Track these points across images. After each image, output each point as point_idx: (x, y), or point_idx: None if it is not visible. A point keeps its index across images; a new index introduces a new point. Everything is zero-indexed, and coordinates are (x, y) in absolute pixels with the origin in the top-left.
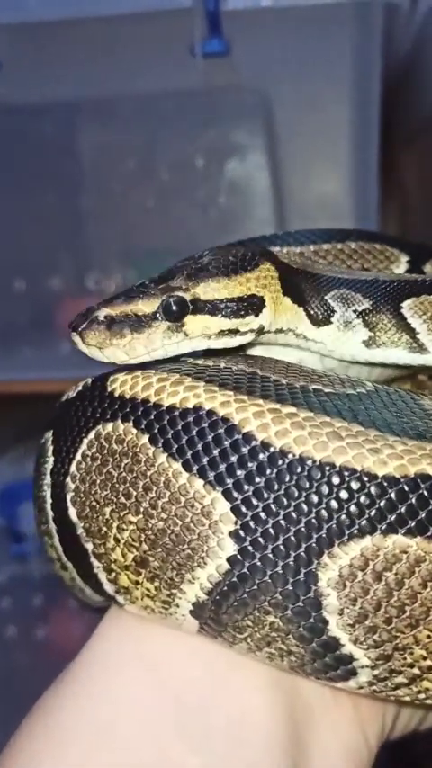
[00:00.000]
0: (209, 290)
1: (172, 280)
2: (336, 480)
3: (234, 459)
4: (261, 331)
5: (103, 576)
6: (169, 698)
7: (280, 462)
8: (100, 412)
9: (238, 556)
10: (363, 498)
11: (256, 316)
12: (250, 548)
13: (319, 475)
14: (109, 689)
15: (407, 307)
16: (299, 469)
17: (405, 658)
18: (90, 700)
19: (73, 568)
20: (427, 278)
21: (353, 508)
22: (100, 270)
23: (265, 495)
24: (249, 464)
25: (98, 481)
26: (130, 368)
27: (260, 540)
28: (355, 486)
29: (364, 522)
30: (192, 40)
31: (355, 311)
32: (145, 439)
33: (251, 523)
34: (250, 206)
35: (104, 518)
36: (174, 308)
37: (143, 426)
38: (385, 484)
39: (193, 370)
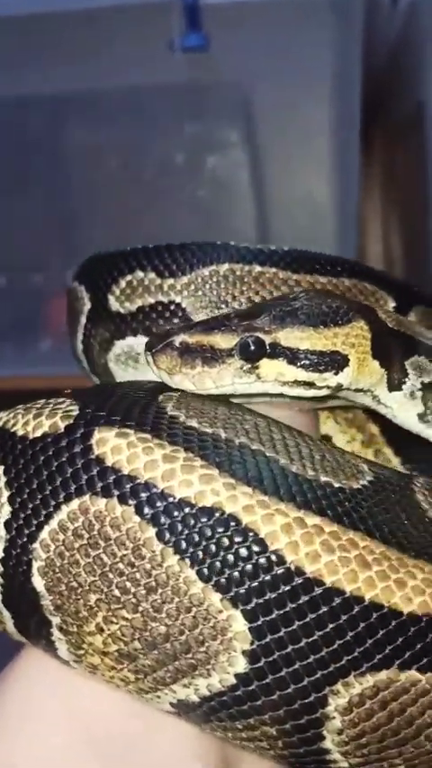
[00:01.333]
0: (291, 337)
1: (257, 318)
2: (363, 615)
3: (260, 580)
4: (339, 389)
5: (63, 647)
6: (93, 753)
7: (310, 591)
8: (86, 481)
9: (249, 674)
10: (386, 633)
11: (336, 374)
12: (264, 669)
13: (348, 608)
14: (28, 738)
15: None
16: (329, 601)
17: (383, 766)
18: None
19: (9, 619)
20: None
21: (375, 642)
22: None
23: (290, 622)
24: (276, 588)
25: (83, 563)
26: (119, 423)
27: (276, 663)
28: (380, 621)
29: (383, 656)
30: (170, 35)
31: (422, 383)
32: (151, 532)
33: (270, 646)
34: (232, 202)
35: (87, 604)
36: (251, 347)
37: (149, 517)
38: (408, 621)
39: (197, 442)
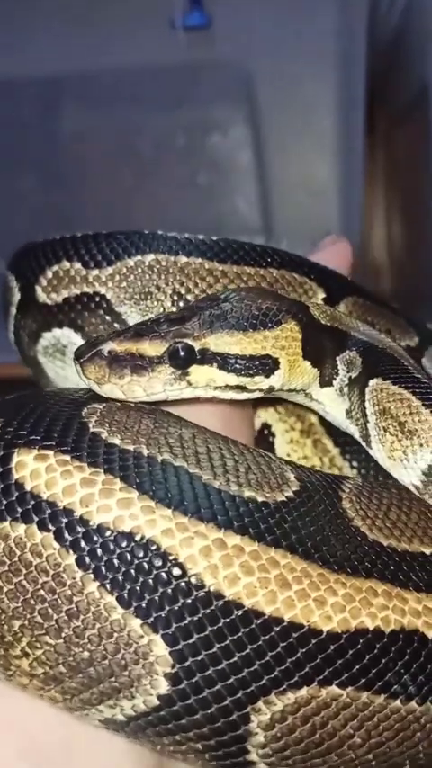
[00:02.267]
0: (221, 342)
1: (187, 322)
2: (282, 635)
3: (179, 604)
4: (271, 390)
5: None
6: (28, 764)
7: (229, 614)
8: (6, 506)
9: (172, 696)
10: (306, 652)
11: (267, 376)
12: (186, 690)
13: (268, 629)
14: None
15: (370, 387)
16: (248, 623)
17: None
18: None
19: None
20: (402, 361)
21: (296, 661)
22: None
23: (210, 645)
24: (196, 612)
25: (5, 590)
26: (39, 444)
27: (198, 684)
28: (300, 641)
29: (303, 674)
30: (172, 13)
31: (349, 377)
32: (71, 559)
33: (191, 668)
34: (233, 184)
35: (11, 629)
36: (181, 353)
37: (68, 543)
38: (327, 639)
39: (118, 462)
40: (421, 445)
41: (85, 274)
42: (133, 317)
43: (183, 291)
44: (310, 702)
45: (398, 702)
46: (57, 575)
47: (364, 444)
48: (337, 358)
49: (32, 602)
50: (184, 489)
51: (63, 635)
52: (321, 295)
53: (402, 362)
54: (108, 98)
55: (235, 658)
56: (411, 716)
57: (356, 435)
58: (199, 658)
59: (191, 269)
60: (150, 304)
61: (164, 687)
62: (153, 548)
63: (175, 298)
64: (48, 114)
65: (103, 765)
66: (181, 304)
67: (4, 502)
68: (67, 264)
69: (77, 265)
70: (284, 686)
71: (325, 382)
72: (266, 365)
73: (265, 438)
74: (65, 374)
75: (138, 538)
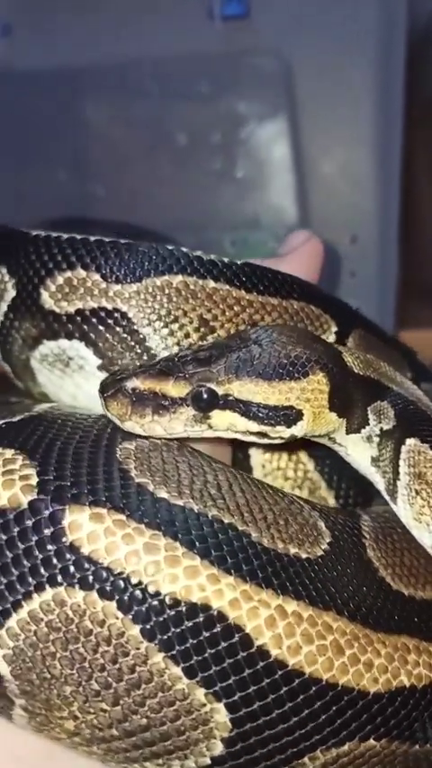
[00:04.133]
0: (244, 390)
1: (213, 363)
2: (335, 698)
3: (244, 674)
4: (293, 439)
5: (22, 721)
6: None
7: (291, 682)
8: (60, 570)
9: (225, 756)
10: (354, 712)
11: (289, 427)
12: (240, 751)
13: (323, 694)
14: None
15: (407, 446)
16: (307, 689)
17: None
18: None
19: None
20: None
21: (343, 721)
22: None
23: (269, 711)
24: (259, 681)
25: (59, 656)
26: (89, 500)
27: (252, 745)
28: (349, 703)
29: (349, 732)
30: (210, 2)
31: (381, 429)
32: (135, 630)
33: (248, 732)
34: (269, 175)
35: (61, 694)
36: (204, 396)
37: (133, 613)
38: (372, 700)
39: (173, 522)
40: None
41: (104, 288)
42: (155, 339)
43: (209, 318)
44: (349, 755)
45: (417, 747)
46: (119, 645)
47: (386, 496)
48: (369, 408)
49: (90, 670)
50: (240, 552)
51: (122, 703)
52: (334, 328)
53: None
54: (145, 88)
55: (291, 722)
56: (423, 756)
57: (380, 485)
58: (257, 723)
59: (219, 295)
60: (174, 328)
61: (218, 749)
62: (221, 620)
63: (200, 324)
64: (83, 105)
65: None
66: (203, 330)
67: (59, 566)
68: (82, 273)
69: (96, 276)
70: (330, 743)
71: (353, 430)
72: (290, 416)
73: (242, 450)
74: (61, 384)
75: (206, 610)
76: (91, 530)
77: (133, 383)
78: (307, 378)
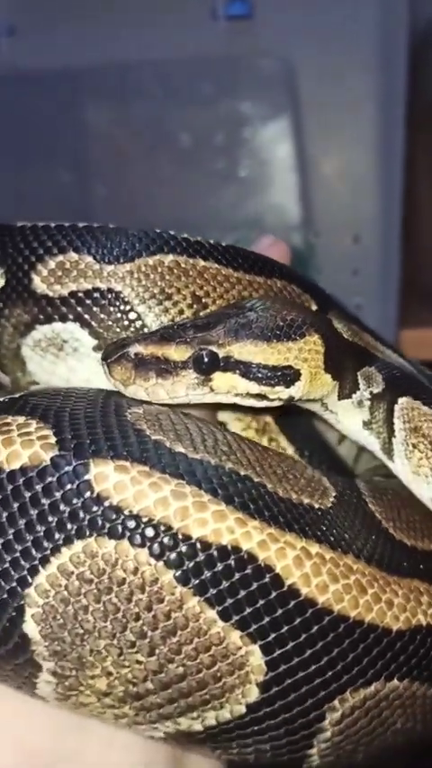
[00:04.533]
0: (244, 351)
1: (212, 329)
2: (363, 636)
3: (277, 614)
4: (291, 400)
5: (47, 688)
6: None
7: (321, 620)
8: (89, 521)
9: (261, 703)
10: (379, 650)
11: (287, 387)
12: (275, 696)
13: (351, 632)
14: None
15: (400, 404)
16: (336, 627)
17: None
18: None
19: None
20: (425, 382)
21: (370, 659)
22: None
23: (302, 651)
24: (291, 621)
25: (92, 609)
26: (111, 455)
27: (286, 689)
28: (376, 641)
29: (375, 671)
30: (213, 2)
31: (371, 392)
32: (169, 575)
33: (282, 674)
34: (271, 175)
35: (94, 650)
36: (205, 359)
37: (166, 559)
38: (396, 638)
39: (195, 473)
40: None
41: (98, 269)
42: (150, 317)
43: (201, 294)
44: (375, 696)
45: None
46: (155, 592)
47: (382, 455)
48: (358, 373)
49: (124, 620)
50: (260, 499)
51: (158, 652)
52: (314, 307)
53: (425, 384)
54: (147, 89)
55: (322, 662)
56: None
57: (374, 445)
58: (290, 665)
59: (209, 273)
60: (168, 305)
61: (254, 695)
62: (252, 561)
63: (193, 300)
64: (85, 105)
65: (119, 765)
66: (196, 307)
67: (87, 517)
68: (74, 256)
69: (88, 258)
70: (359, 683)
71: (344, 395)
72: (288, 376)
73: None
74: (53, 370)
75: (237, 552)
76: (117, 480)
77: (136, 348)
78: (304, 338)
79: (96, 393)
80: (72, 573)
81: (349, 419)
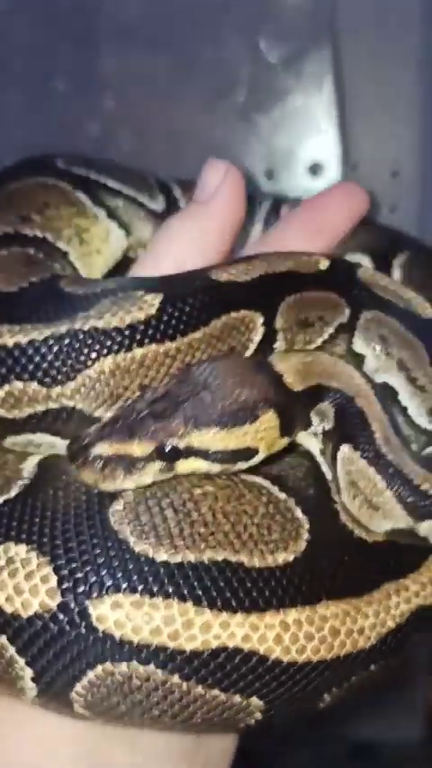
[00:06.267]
0: (204, 440)
1: (170, 418)
2: (346, 671)
3: (266, 679)
4: (251, 466)
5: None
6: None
7: (304, 671)
8: (102, 653)
9: None
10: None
11: (247, 461)
12: None
13: (335, 667)
14: None
15: (341, 453)
16: (323, 672)
17: None
18: None
19: (33, 688)
20: (372, 424)
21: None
22: None
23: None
24: (285, 683)
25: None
26: (108, 588)
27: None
28: (352, 663)
29: None
30: None
31: (323, 428)
32: (176, 677)
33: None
34: (307, 108)
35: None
36: (167, 451)
37: (169, 669)
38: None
39: (177, 583)
40: (384, 518)
41: (46, 393)
42: (108, 413)
43: (147, 382)
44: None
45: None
46: (168, 694)
47: (333, 487)
48: (311, 412)
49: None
50: (240, 586)
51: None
52: (260, 320)
53: (371, 427)
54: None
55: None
56: None
57: (328, 475)
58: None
59: (148, 359)
60: (122, 402)
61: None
62: (238, 653)
63: (141, 389)
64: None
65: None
66: (146, 392)
67: (100, 650)
68: (19, 385)
69: (33, 385)
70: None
71: (302, 429)
72: (247, 454)
73: None
74: (36, 451)
75: (225, 650)
76: (116, 618)
77: (98, 450)
78: (259, 419)
79: (79, 486)
80: (98, 686)
81: (310, 445)
